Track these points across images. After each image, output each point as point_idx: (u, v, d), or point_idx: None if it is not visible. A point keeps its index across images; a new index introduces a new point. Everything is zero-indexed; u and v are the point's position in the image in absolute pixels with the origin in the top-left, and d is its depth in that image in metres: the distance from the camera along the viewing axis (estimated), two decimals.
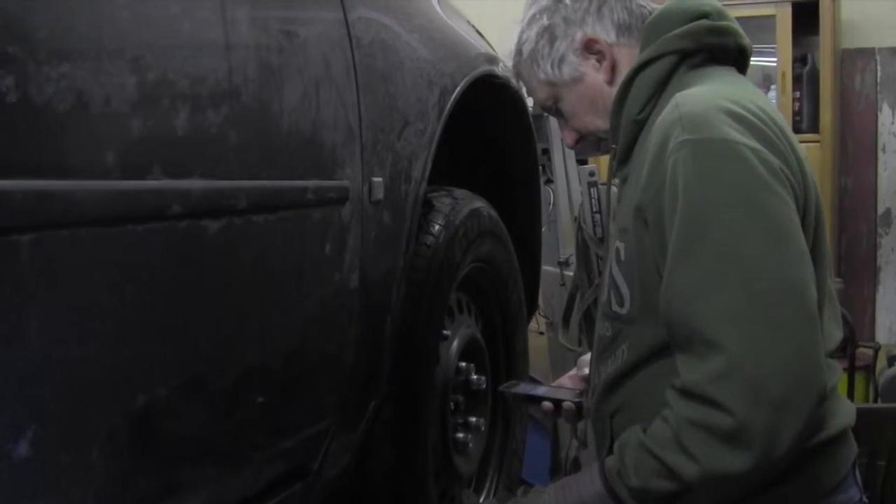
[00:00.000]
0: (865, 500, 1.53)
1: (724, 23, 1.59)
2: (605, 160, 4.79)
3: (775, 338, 1.31)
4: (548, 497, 1.51)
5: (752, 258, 1.33)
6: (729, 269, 1.33)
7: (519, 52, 1.70)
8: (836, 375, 1.51)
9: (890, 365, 3.56)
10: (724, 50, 1.59)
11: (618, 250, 1.53)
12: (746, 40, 1.63)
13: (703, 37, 1.56)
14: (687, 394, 1.35)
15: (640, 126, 1.56)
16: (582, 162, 3.83)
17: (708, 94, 1.47)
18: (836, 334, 1.51)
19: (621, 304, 1.54)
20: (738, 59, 1.62)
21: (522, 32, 1.69)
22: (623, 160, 1.60)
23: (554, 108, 1.72)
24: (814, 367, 1.32)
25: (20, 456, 1.02)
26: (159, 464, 1.26)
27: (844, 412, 1.48)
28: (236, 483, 1.46)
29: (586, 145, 1.75)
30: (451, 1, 2.45)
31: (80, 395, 1.10)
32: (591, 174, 3.57)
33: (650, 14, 1.63)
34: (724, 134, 1.37)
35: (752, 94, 1.53)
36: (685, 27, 1.56)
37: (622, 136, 1.58)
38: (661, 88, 1.55)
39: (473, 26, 2.50)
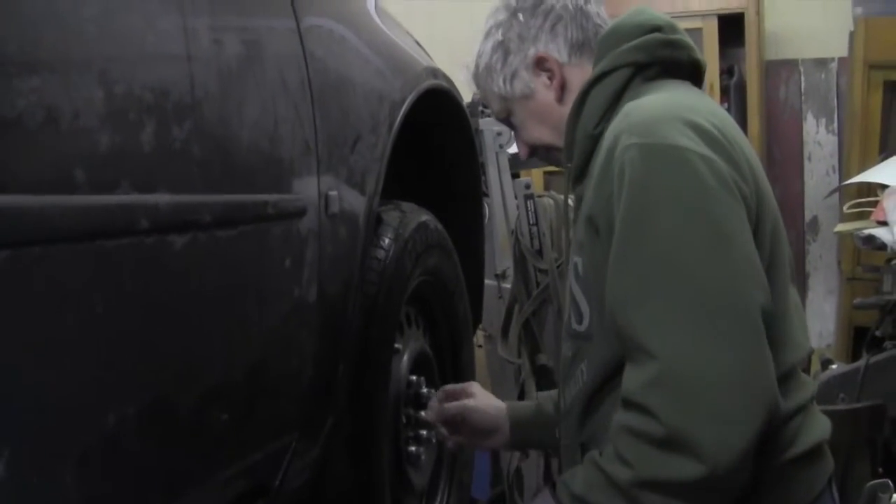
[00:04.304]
0: None
1: (676, 36, 1.58)
2: (536, 173, 4.84)
3: (711, 345, 1.28)
4: None
5: (691, 264, 1.31)
6: (665, 274, 1.32)
7: (476, 64, 1.72)
8: (809, 391, 1.47)
9: (824, 369, 3.61)
10: (677, 64, 1.58)
11: (576, 265, 1.51)
12: (699, 55, 1.63)
13: (657, 50, 1.55)
14: (625, 402, 1.34)
15: (595, 141, 1.54)
16: (516, 175, 3.86)
17: (660, 102, 1.47)
18: (804, 344, 1.49)
19: (580, 321, 1.52)
20: (692, 73, 1.62)
21: (480, 45, 1.70)
22: (579, 176, 1.59)
23: (507, 120, 1.74)
24: (755, 376, 1.30)
25: None
26: (125, 483, 1.24)
27: (817, 428, 1.46)
28: (201, 502, 1.44)
29: (538, 156, 1.76)
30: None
31: (48, 415, 1.07)
32: (527, 186, 3.60)
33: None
34: (672, 140, 1.36)
35: (708, 104, 1.52)
36: (638, 40, 1.55)
37: (577, 152, 1.57)
38: (616, 101, 1.54)
39: (414, 38, 2.50)
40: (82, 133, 1.09)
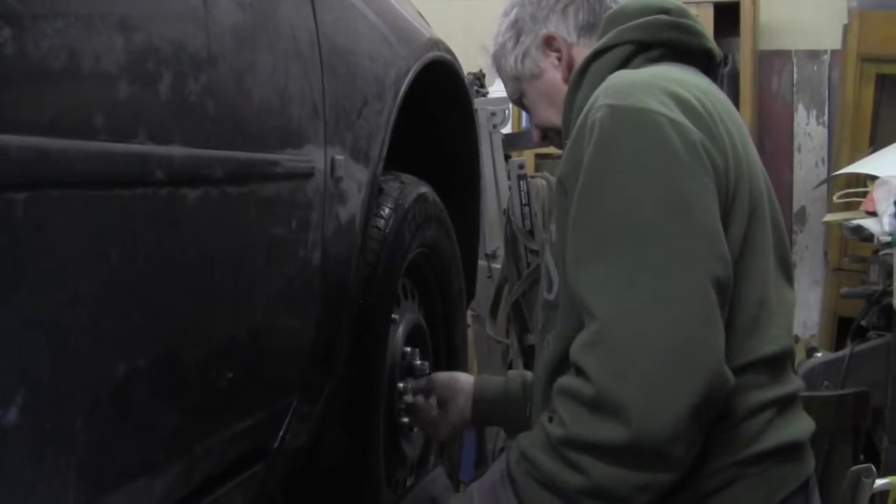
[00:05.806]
0: None
1: (685, 21, 1.56)
2: (528, 155, 4.85)
3: (651, 309, 1.25)
4: (471, 490, 1.49)
5: (643, 226, 1.28)
6: (617, 235, 1.29)
7: (494, 44, 1.76)
8: (788, 387, 1.44)
9: (809, 357, 3.64)
10: (686, 49, 1.55)
11: (551, 233, 1.50)
12: (713, 44, 1.60)
13: (661, 31, 1.53)
14: (571, 363, 1.33)
15: None
16: (508, 156, 3.86)
17: (645, 72, 1.46)
18: (782, 340, 1.43)
19: (550, 290, 1.51)
20: (707, 65, 1.59)
21: (497, 26, 1.74)
22: None
23: (520, 101, 1.76)
24: (696, 346, 1.25)
25: (8, 423, 0.98)
26: (130, 435, 1.23)
27: (793, 427, 1.43)
28: (204, 461, 1.43)
29: (550, 141, 1.77)
30: None
31: (60, 361, 1.06)
32: (521, 167, 3.61)
33: None
34: (644, 103, 1.34)
35: (702, 83, 1.48)
36: (642, 19, 1.53)
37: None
38: None
39: (418, 10, 2.49)
40: (102, 78, 1.07)
